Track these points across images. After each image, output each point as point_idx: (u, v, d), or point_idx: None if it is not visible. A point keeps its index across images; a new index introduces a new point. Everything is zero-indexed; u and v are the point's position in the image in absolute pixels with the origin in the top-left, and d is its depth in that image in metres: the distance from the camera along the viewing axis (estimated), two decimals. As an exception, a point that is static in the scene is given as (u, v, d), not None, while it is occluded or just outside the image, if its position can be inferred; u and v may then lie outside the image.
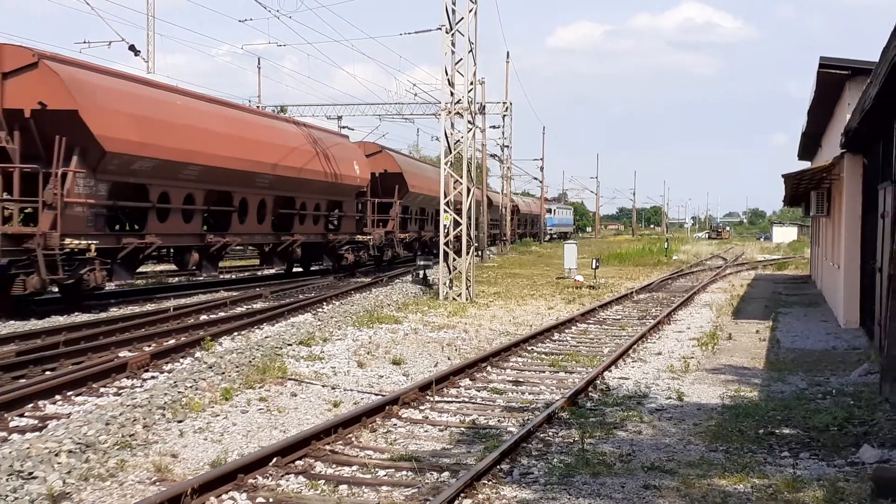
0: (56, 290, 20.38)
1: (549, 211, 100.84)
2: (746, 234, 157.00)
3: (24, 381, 11.88)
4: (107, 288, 21.57)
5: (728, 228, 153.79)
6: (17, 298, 18.17)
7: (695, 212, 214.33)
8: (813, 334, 18.88)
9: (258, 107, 45.08)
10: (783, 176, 24.49)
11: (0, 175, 17.90)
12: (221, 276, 29.08)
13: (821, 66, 18.65)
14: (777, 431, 9.85)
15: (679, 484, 7.79)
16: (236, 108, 28.00)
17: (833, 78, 19.05)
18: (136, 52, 29.68)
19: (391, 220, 37.22)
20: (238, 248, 28.60)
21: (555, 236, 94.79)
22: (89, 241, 19.06)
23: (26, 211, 18.82)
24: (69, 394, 11.21)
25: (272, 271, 33.74)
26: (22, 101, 18.25)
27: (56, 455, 8.00)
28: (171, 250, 23.69)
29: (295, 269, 32.93)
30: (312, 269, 33.64)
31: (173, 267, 25.88)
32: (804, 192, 28.89)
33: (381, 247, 36.34)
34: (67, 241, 18.35)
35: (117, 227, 21.90)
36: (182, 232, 23.09)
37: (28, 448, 8.04)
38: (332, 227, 33.11)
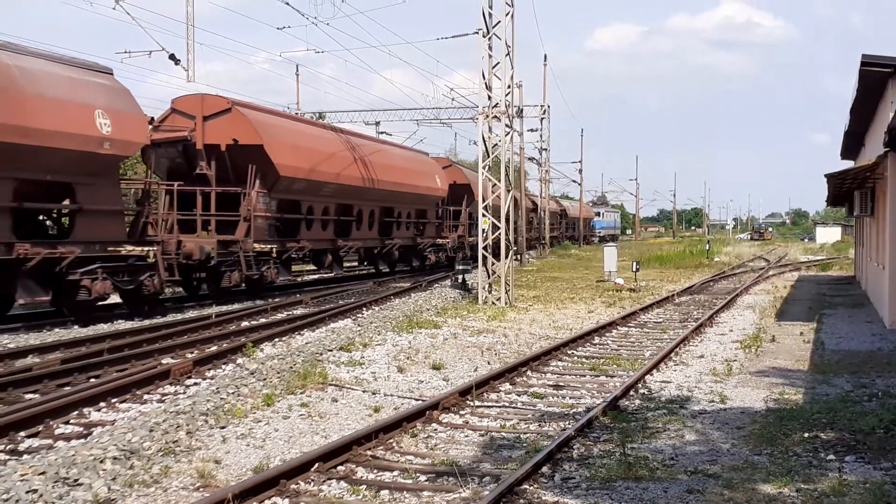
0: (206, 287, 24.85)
1: (598, 214, 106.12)
2: (789, 234, 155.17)
3: (69, 388, 12.04)
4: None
5: (770, 229, 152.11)
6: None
7: (736, 213, 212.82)
8: (858, 335, 18.62)
9: (297, 113, 45.37)
10: (826, 176, 24.18)
11: (201, 195, 23.46)
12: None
13: (863, 64, 18.39)
14: (822, 435, 9.72)
15: (723, 488, 7.72)
16: (354, 134, 33.70)
17: (876, 76, 18.78)
18: (177, 62, 29.93)
19: (461, 225, 42.44)
20: (353, 251, 32.95)
21: (604, 238, 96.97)
22: (270, 246, 24.70)
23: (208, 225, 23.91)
24: (113, 401, 11.33)
25: (313, 277, 34.27)
26: (218, 138, 23.84)
27: (101, 462, 8.09)
28: (313, 253, 28.72)
29: (373, 269, 37.02)
30: (397, 269, 37.55)
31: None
32: (847, 191, 28.52)
33: (454, 248, 41.14)
34: (257, 245, 23.91)
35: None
36: (321, 238, 28.60)
37: (73, 455, 8.13)
38: (419, 233, 38.02)
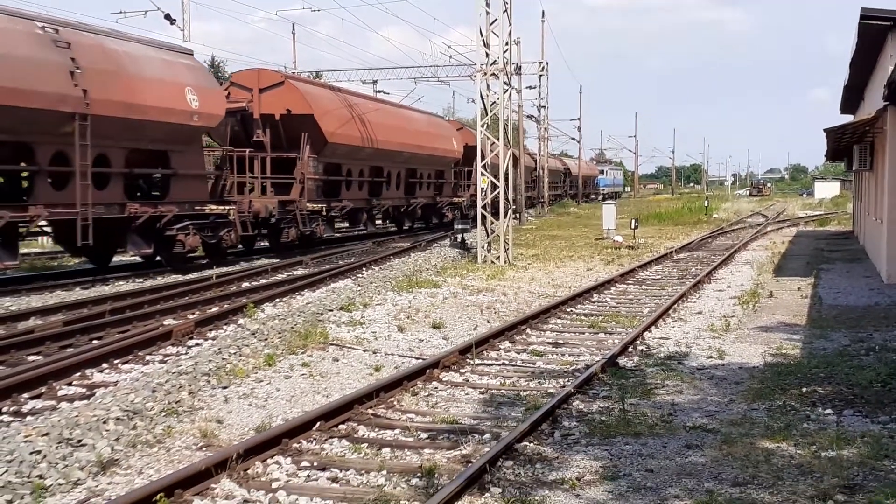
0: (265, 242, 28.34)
1: (602, 172, 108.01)
2: (788, 190, 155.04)
3: (71, 350, 12.10)
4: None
5: (769, 185, 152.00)
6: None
7: (735, 169, 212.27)
8: (855, 290, 18.69)
9: (294, 72, 45.14)
10: (825, 130, 24.13)
11: (257, 159, 25.92)
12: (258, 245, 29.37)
13: (862, 17, 18.28)
14: (820, 389, 9.79)
15: (721, 443, 7.79)
16: (385, 102, 37.41)
17: (875, 29, 18.68)
18: (172, 21, 29.76)
19: (473, 185, 41.63)
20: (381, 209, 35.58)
21: (607, 195, 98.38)
22: (321, 205, 27.65)
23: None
24: (116, 362, 11.40)
25: (342, 234, 34.73)
26: (273, 108, 26.75)
27: (104, 423, 8.15)
28: (351, 211, 31.27)
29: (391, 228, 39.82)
30: (406, 227, 39.74)
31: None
32: (846, 146, 28.47)
33: (468, 206, 41.85)
34: (309, 205, 26.88)
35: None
36: (358, 197, 31.59)
37: (77, 416, 8.19)
38: (437, 192, 40.90)
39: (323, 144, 27.49)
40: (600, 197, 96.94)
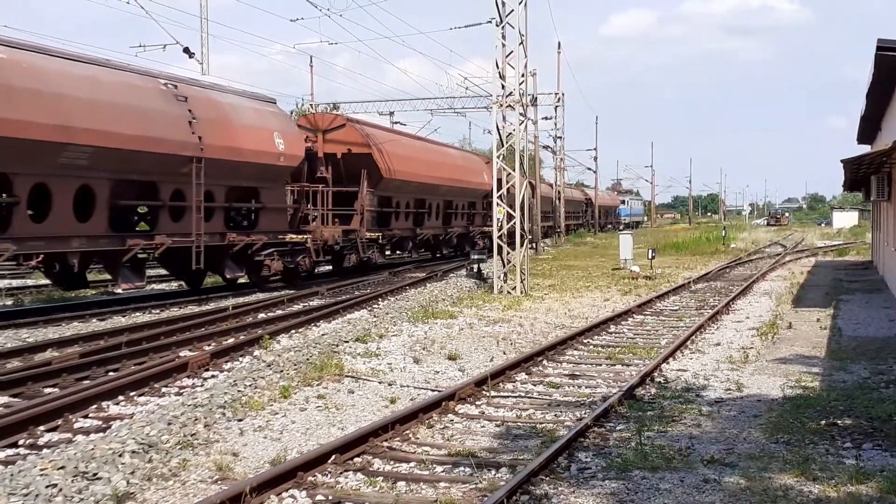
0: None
1: (623, 202, 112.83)
2: (806, 219, 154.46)
3: (87, 382, 12.12)
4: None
5: (787, 214, 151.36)
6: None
7: (753, 198, 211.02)
8: (875, 321, 18.55)
9: (311, 105, 45.47)
10: (842, 161, 24.03)
11: (321, 193, 27.68)
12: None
13: (878, 48, 18.24)
14: (839, 422, 9.69)
15: (739, 477, 7.72)
16: (427, 140, 40.83)
17: (891, 60, 18.62)
18: (191, 55, 30.08)
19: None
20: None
21: (629, 225, 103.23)
22: (377, 234, 30.55)
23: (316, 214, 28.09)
24: (132, 394, 11.41)
25: (327, 268, 34.43)
26: (335, 148, 29.46)
27: (120, 455, 8.15)
28: (399, 239, 34.44)
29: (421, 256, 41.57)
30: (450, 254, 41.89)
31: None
32: (864, 176, 28.35)
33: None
34: (367, 234, 29.76)
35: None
36: (405, 227, 34.39)
37: (92, 449, 8.19)
38: (469, 222, 42.65)
39: (379, 179, 30.36)
40: (621, 227, 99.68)
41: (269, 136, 24.27)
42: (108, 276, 23.47)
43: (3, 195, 16.95)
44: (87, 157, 18.00)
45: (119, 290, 22.96)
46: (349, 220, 29.29)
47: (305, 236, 26.18)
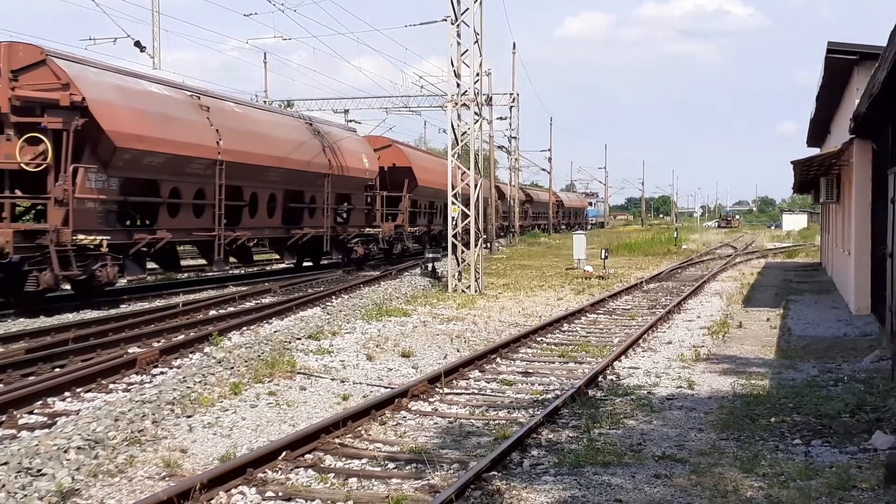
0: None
1: (591, 204, 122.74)
2: (756, 222, 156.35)
3: (33, 378, 11.88)
4: (118, 284, 21.65)
5: (737, 217, 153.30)
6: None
7: (704, 201, 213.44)
8: (824, 321, 18.79)
9: (265, 101, 45.11)
10: (792, 162, 24.35)
11: (369, 197, 35.44)
12: (231, 272, 29.26)
13: (829, 51, 18.52)
14: (788, 419, 9.80)
15: (690, 473, 7.74)
16: (433, 154, 49.17)
17: (841, 63, 18.92)
18: (142, 49, 29.72)
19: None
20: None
21: (594, 225, 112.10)
22: (412, 229, 39.54)
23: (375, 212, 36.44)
24: (78, 390, 11.20)
25: (282, 265, 34.35)
26: (384, 163, 36.80)
27: (65, 452, 7.99)
28: (420, 234, 41.96)
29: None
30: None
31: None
32: (813, 178, 28.75)
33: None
34: (409, 228, 38.65)
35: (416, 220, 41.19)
36: (423, 224, 42.13)
37: (37, 445, 8.02)
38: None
39: (414, 187, 38.22)
40: (589, 226, 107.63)
41: (360, 157, 33.64)
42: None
43: (239, 201, 25.20)
44: (278, 175, 27.10)
45: (283, 265, 32.57)
46: (395, 218, 37.24)
47: (378, 230, 34.89)
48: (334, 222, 31.41)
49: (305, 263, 32.78)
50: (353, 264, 33.07)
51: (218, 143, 23.47)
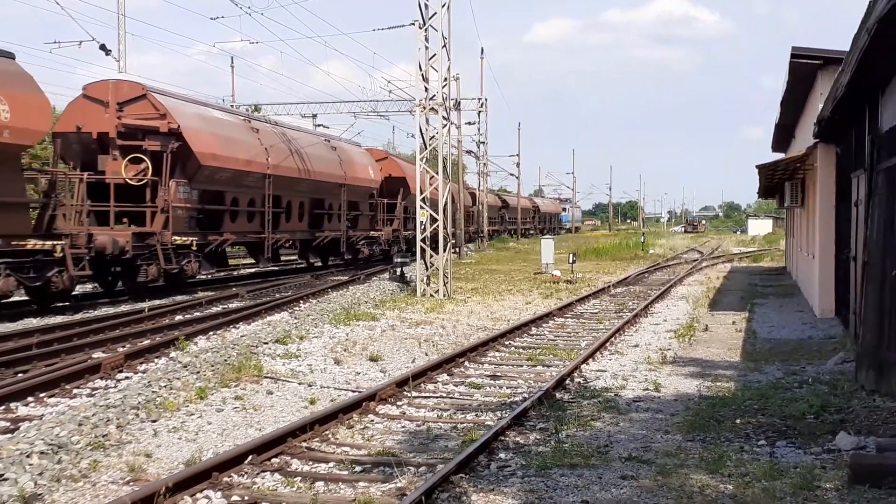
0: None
1: (564, 209, 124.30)
2: (722, 227, 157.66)
3: (-5, 383, 11.73)
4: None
5: (704, 222, 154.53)
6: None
7: (671, 206, 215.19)
8: (789, 324, 18.96)
9: (231, 105, 44.92)
10: (757, 166, 24.57)
11: (372, 204, 39.07)
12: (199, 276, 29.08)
13: (793, 56, 18.70)
14: (754, 420, 9.86)
15: (656, 474, 7.77)
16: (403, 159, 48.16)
17: (805, 68, 19.12)
18: (108, 52, 29.51)
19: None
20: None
21: (569, 230, 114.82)
22: (407, 233, 40.88)
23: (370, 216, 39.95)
24: (41, 395, 11.08)
25: (250, 270, 34.34)
26: (379, 176, 39.56)
27: (28, 456, 7.89)
28: (410, 238, 42.17)
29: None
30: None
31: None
32: (778, 183, 29.04)
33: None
34: (405, 232, 40.76)
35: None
36: (411, 228, 40.56)
37: (-1, 450, 7.92)
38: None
39: (407, 195, 40.09)
40: (563, 231, 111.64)
41: (367, 169, 37.94)
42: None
43: (278, 208, 29.34)
44: (307, 186, 31.34)
45: (251, 269, 34.81)
46: (392, 223, 40.56)
47: (380, 233, 38.74)
48: (346, 226, 35.06)
49: (315, 263, 36.91)
50: (360, 263, 37.10)
51: (267, 159, 28.12)
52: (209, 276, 28.53)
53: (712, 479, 7.64)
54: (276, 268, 34.94)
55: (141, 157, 22.98)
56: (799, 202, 25.49)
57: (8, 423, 9.74)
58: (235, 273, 34.19)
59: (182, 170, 23.78)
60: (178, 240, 23.24)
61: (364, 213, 38.01)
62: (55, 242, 19.29)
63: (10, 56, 19.18)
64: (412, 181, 39.35)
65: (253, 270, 34.51)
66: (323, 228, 33.63)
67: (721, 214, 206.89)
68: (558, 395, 11.32)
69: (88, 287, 25.36)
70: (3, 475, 7.43)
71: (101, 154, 23.36)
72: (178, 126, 23.11)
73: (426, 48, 25.07)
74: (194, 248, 24.02)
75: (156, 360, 13.70)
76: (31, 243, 18.77)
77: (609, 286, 28.12)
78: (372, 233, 38.36)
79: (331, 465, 8.30)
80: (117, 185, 22.68)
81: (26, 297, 20.52)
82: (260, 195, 28.11)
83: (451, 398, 11.49)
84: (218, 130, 25.77)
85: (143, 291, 23.03)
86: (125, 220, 23.41)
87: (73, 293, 21.70)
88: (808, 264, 23.27)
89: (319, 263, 36.62)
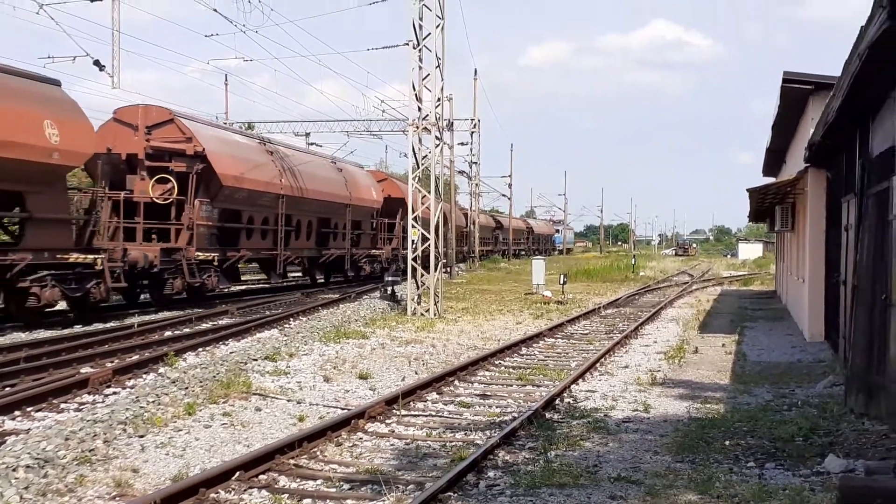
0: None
1: (558, 231, 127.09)
2: (713, 250, 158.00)
3: (-18, 397, 11.66)
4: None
5: (694, 245, 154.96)
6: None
7: (662, 229, 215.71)
8: (778, 347, 18.98)
9: (225, 123, 44.93)
10: (748, 190, 24.67)
11: (373, 223, 40.83)
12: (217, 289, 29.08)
13: (784, 81, 18.81)
14: (743, 442, 9.85)
15: (645, 494, 7.75)
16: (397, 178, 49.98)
17: (797, 93, 19.22)
18: (101, 68, 29.42)
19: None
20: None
21: (562, 251, 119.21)
22: (404, 251, 35.15)
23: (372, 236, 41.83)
24: (29, 409, 11.02)
25: (239, 288, 34.25)
26: (381, 197, 40.89)
27: (13, 470, 7.84)
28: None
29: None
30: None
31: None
32: (769, 206, 29.13)
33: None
34: (402, 251, 36.06)
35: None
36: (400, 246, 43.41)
37: (-16, 464, 7.87)
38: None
39: (403, 214, 38.37)
40: (556, 252, 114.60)
41: (370, 189, 39.48)
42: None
43: (289, 226, 30.72)
44: (315, 206, 32.80)
45: (238, 287, 34.19)
46: (391, 242, 42.20)
47: (381, 251, 40.51)
48: (350, 244, 36.79)
49: (319, 279, 37.70)
50: (362, 279, 38.75)
51: (281, 180, 29.68)
52: (226, 290, 30.22)
53: (701, 500, 7.62)
54: (269, 285, 34.87)
55: (167, 177, 24.60)
56: (789, 226, 25.57)
57: (-6, 437, 9.68)
58: (244, 287, 34.68)
59: (205, 190, 25.39)
60: (201, 255, 24.97)
61: (366, 231, 39.65)
62: (95, 256, 20.63)
63: (57, 83, 20.19)
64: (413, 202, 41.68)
65: (240, 288, 34.54)
66: (329, 246, 35.17)
67: (712, 238, 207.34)
68: (548, 415, 11.30)
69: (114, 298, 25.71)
70: (-12, 489, 7.37)
71: (130, 174, 24.91)
72: (204, 149, 24.86)
73: (420, 68, 25.15)
74: (215, 263, 25.74)
75: (144, 376, 13.64)
76: (74, 257, 19.98)
77: (599, 307, 28.14)
78: (373, 251, 40.07)
79: (319, 482, 8.26)
80: (145, 203, 24.48)
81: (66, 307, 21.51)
82: (273, 214, 29.57)
83: (440, 417, 11.46)
84: (237, 153, 27.56)
85: (168, 302, 24.81)
86: (154, 236, 24.62)
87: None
88: (798, 288, 23.32)
89: (322, 279, 37.80)
